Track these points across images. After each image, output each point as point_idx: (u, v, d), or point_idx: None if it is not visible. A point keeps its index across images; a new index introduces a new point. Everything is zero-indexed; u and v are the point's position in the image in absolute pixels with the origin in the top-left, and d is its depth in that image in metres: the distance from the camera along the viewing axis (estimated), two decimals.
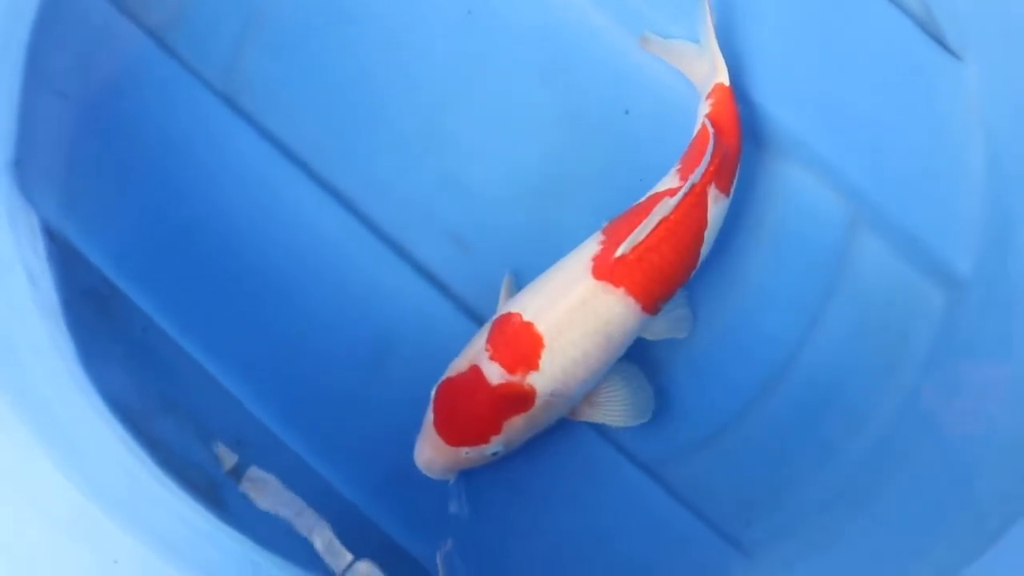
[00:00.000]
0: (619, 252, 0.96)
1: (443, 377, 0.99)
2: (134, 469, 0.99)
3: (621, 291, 0.96)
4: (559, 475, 1.07)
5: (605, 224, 1.02)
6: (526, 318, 0.97)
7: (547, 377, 0.96)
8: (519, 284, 1.06)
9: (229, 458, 1.06)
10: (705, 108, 1.05)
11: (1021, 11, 1.09)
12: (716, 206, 1.01)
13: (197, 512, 1.00)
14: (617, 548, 1.07)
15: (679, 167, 1.03)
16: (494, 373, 0.96)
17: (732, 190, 1.03)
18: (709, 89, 1.06)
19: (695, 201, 0.99)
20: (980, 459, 1.02)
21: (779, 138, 1.11)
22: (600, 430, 1.08)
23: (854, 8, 1.13)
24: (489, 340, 0.97)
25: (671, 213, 0.97)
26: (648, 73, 1.13)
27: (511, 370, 0.95)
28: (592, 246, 0.99)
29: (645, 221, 0.96)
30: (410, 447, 1.01)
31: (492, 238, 1.10)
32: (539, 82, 1.13)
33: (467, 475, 1.03)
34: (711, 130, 1.01)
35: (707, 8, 1.06)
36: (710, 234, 1.01)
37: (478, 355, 0.97)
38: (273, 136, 1.11)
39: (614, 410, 1.02)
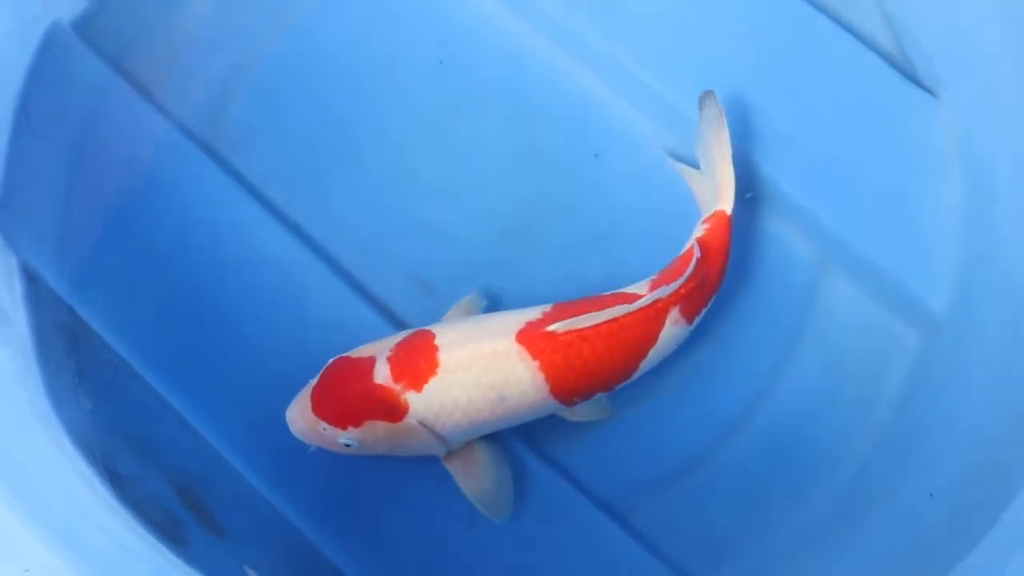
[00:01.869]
0: (552, 327, 0.95)
1: (346, 353, 0.99)
2: (82, 497, 0.99)
3: (536, 364, 0.95)
4: (517, 514, 1.04)
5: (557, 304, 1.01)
6: (436, 341, 0.96)
7: (424, 402, 0.95)
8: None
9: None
10: (699, 231, 1.03)
11: (994, 47, 1.08)
12: (673, 328, 0.99)
13: (146, 541, 1.00)
14: None
15: (654, 278, 1.02)
16: (381, 373, 0.96)
17: (696, 321, 1.01)
18: (709, 212, 1.03)
19: (653, 315, 0.97)
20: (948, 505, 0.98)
21: (747, 180, 1.10)
22: (561, 469, 1.06)
23: (825, 48, 1.14)
24: (400, 343, 0.97)
25: (623, 316, 0.96)
26: (617, 117, 1.14)
27: (396, 379, 0.95)
28: (534, 312, 0.99)
29: (594, 313, 0.95)
30: (374, 488, 1.02)
31: (457, 279, 1.11)
32: (508, 127, 1.15)
33: (423, 507, 1.03)
34: (697, 254, 0.99)
35: (725, 136, 1.03)
36: (657, 353, 0.99)
37: (383, 350, 0.97)
38: (247, 181, 1.14)
39: (472, 485, 1.01)
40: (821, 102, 1.12)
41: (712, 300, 1.02)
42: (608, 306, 0.96)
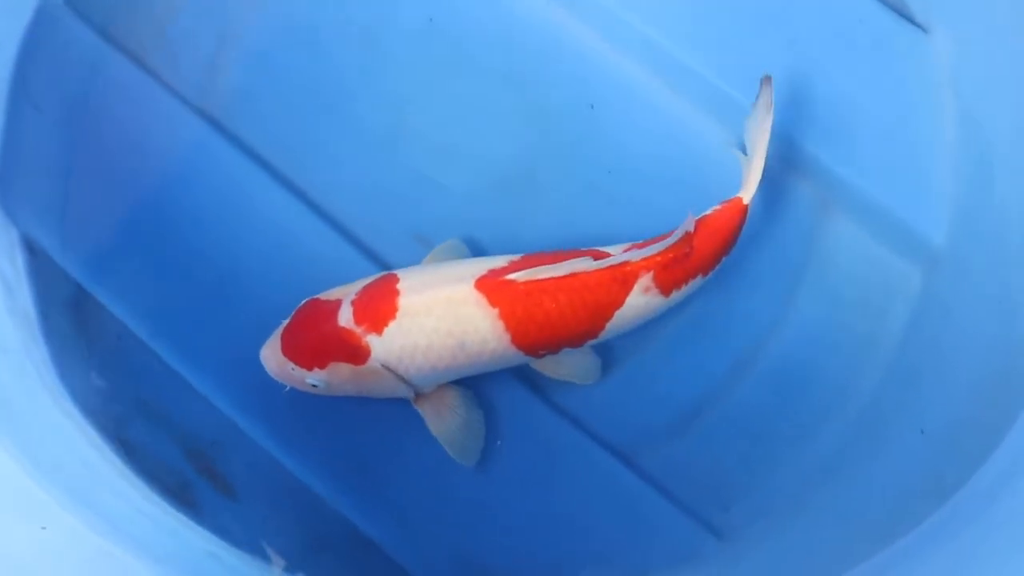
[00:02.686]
0: (512, 276, 0.95)
1: (317, 295, 1.00)
2: (93, 461, 1.00)
3: (495, 312, 0.95)
4: (529, 461, 1.06)
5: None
6: (398, 285, 0.97)
7: (385, 346, 0.96)
8: None
9: (278, 561, 1.06)
10: (710, 210, 1.01)
11: None
12: (643, 296, 0.98)
13: (159, 506, 1.01)
14: (589, 535, 1.05)
15: (630, 245, 1.01)
16: (345, 315, 0.96)
17: (674, 295, 1.00)
18: (730, 197, 1.02)
19: (620, 278, 0.97)
20: (955, 432, 0.99)
21: (741, 121, 1.10)
22: (571, 416, 1.06)
23: None
24: (365, 287, 0.98)
25: (586, 273, 0.95)
26: (612, 68, 1.14)
27: (358, 322, 0.96)
28: (500, 260, 0.99)
29: (558, 264, 0.95)
30: (384, 443, 1.04)
31: (456, 234, 1.10)
32: (502, 80, 1.14)
33: (433, 459, 1.04)
34: (688, 228, 0.97)
35: (767, 126, 1.01)
36: (622, 318, 0.98)
37: (349, 293, 0.98)
38: (245, 144, 1.14)
39: (442, 428, 1.02)
40: (814, 42, 1.12)
41: (698, 280, 1.00)
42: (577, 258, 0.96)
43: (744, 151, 1.04)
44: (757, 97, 1.02)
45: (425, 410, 1.02)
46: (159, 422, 1.08)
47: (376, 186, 1.13)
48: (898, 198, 1.08)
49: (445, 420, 1.02)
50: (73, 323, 1.09)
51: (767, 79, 1.01)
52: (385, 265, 1.10)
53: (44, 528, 0.82)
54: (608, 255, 0.98)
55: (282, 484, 1.06)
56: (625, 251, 0.98)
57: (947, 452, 0.97)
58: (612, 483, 1.05)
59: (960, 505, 0.89)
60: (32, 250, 1.10)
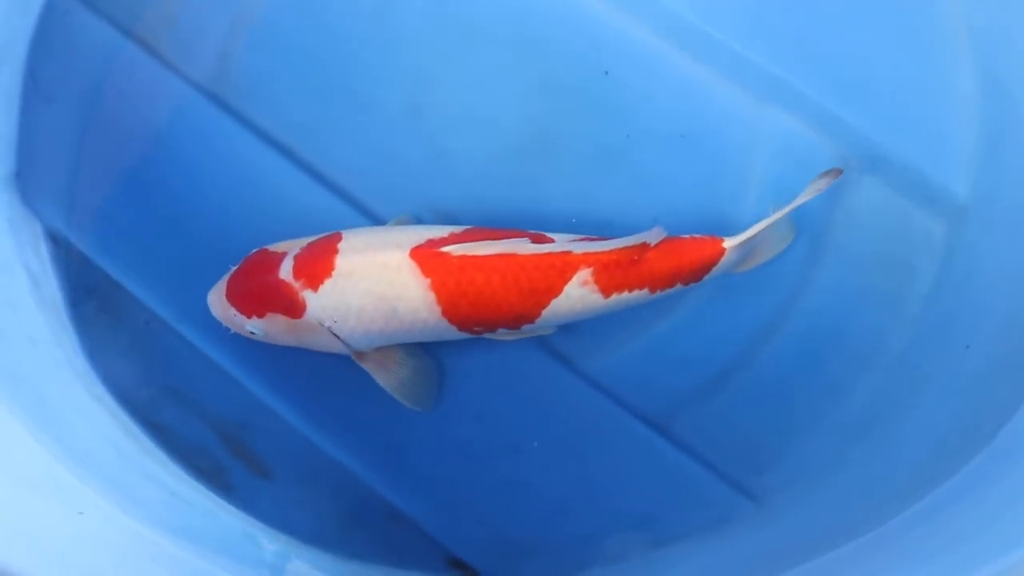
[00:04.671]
0: (447, 248, 0.95)
1: (266, 246, 1.02)
2: (132, 452, 1.01)
3: (427, 282, 0.95)
4: (561, 432, 1.06)
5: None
6: (339, 244, 0.98)
7: (320, 303, 0.97)
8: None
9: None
10: (693, 235, 1.00)
11: None
12: (581, 289, 0.96)
13: (194, 488, 1.02)
14: (623, 503, 1.05)
15: (581, 237, 0.99)
16: (286, 268, 0.98)
17: (614, 296, 0.97)
18: (719, 238, 0.99)
19: (559, 266, 0.96)
20: (988, 381, 0.98)
21: (758, 83, 1.10)
22: (601, 386, 1.06)
23: None
24: (311, 243, 1.00)
25: (523, 256, 0.95)
26: (625, 35, 1.13)
27: (296, 276, 0.97)
28: (443, 231, 0.99)
29: (495, 241, 0.95)
30: (418, 421, 1.05)
31: (476, 207, 1.11)
32: (516, 50, 1.14)
33: (468, 436, 1.04)
34: (650, 241, 0.96)
35: (796, 203, 0.98)
36: (559, 307, 0.97)
37: (296, 247, 1.00)
38: (260, 127, 1.13)
39: (390, 380, 1.02)
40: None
41: (643, 293, 0.98)
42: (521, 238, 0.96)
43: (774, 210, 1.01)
44: (818, 178, 0.99)
45: (369, 366, 1.02)
46: (190, 405, 1.08)
47: (394, 161, 1.12)
48: (918, 152, 1.07)
49: (392, 372, 1.03)
50: (100, 310, 1.10)
51: (837, 172, 0.99)
52: None
53: (82, 513, 0.83)
54: (550, 239, 0.98)
55: (315, 462, 1.07)
56: (571, 240, 0.98)
57: (979, 403, 0.97)
58: (644, 450, 1.05)
59: (994, 454, 0.89)
60: (56, 241, 1.11)
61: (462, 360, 1.08)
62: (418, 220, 1.11)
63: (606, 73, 1.13)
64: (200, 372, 1.09)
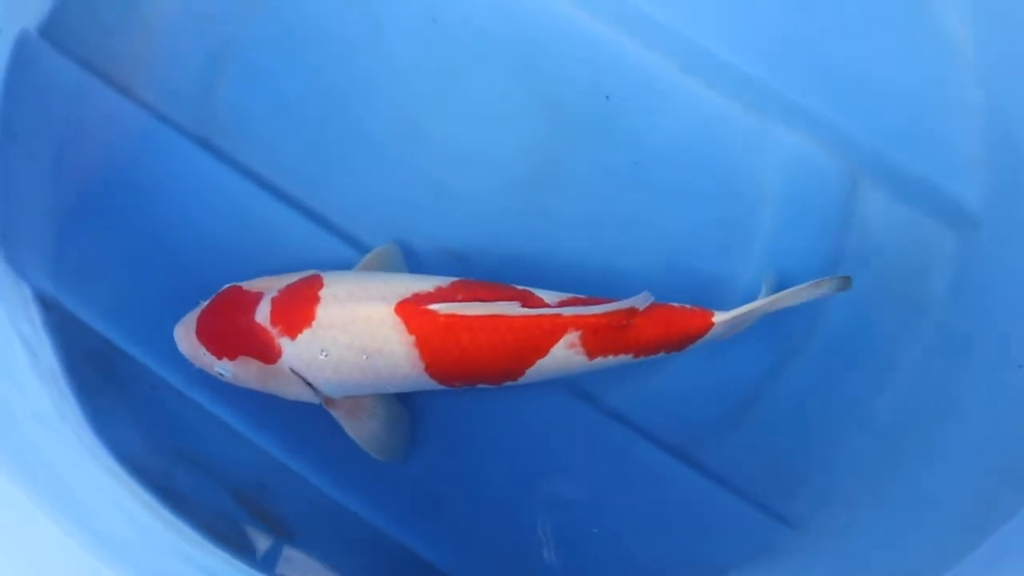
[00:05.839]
0: (434, 306, 0.92)
1: (240, 283, 0.98)
2: (151, 526, 0.97)
3: (411, 339, 0.93)
4: (590, 473, 1.05)
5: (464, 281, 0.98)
6: (320, 292, 0.95)
7: (297, 352, 0.94)
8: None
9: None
10: (682, 304, 0.98)
11: None
12: (567, 352, 0.94)
13: (225, 561, 0.98)
14: (659, 539, 1.04)
15: (573, 297, 0.97)
16: (263, 313, 0.95)
17: (597, 360, 0.96)
18: (709, 311, 0.98)
19: (548, 328, 0.93)
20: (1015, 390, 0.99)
21: (764, 101, 1.09)
22: (623, 419, 1.05)
23: None
24: (289, 285, 0.97)
25: (511, 317, 0.93)
26: (626, 58, 1.10)
27: (274, 322, 0.94)
28: (429, 283, 0.96)
29: (481, 303, 0.93)
30: (438, 470, 1.02)
31: (483, 241, 1.08)
32: (514, 78, 1.10)
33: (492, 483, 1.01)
34: (638, 306, 0.95)
35: (791, 299, 0.98)
36: (543, 367, 0.95)
37: (272, 288, 0.97)
38: (253, 171, 1.09)
39: (359, 429, 1.00)
40: (830, 11, 1.09)
41: (627, 358, 0.97)
42: (510, 298, 0.94)
43: (768, 285, 1.01)
44: (825, 284, 0.98)
45: (339, 413, 1.00)
46: (204, 469, 1.05)
47: (396, 199, 1.09)
48: (929, 164, 1.07)
49: (362, 421, 1.00)
50: (102, 376, 1.05)
51: (846, 281, 0.99)
52: None
53: None
54: (541, 300, 0.96)
55: (339, 520, 1.04)
56: (561, 302, 0.96)
57: (1011, 412, 0.98)
58: (675, 483, 1.04)
59: None
60: (46, 304, 1.05)
61: (483, 403, 1.05)
62: (403, 248, 1.07)
63: (607, 98, 1.10)
64: (211, 434, 1.06)
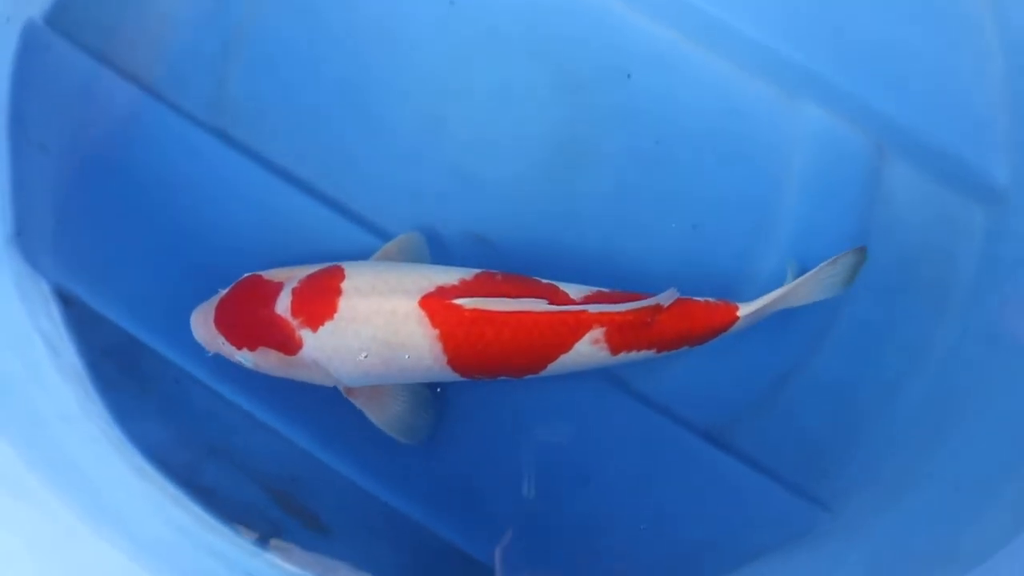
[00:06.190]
0: (460, 301, 0.91)
1: (260, 272, 0.97)
2: (184, 523, 0.96)
3: (435, 333, 0.92)
4: (626, 458, 1.04)
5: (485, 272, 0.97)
6: (342, 284, 0.94)
7: (318, 344, 0.93)
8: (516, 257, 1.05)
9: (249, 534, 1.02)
10: (706, 298, 0.97)
11: None
12: (591, 347, 0.94)
13: (256, 556, 0.97)
14: (698, 523, 1.04)
15: (598, 291, 0.97)
16: (283, 304, 0.94)
17: (622, 356, 0.95)
18: (734, 304, 0.97)
19: (572, 324, 0.93)
20: None
21: (788, 76, 1.07)
22: (655, 405, 1.04)
23: None
24: (310, 276, 0.95)
25: (536, 313, 0.92)
26: (646, 35, 1.09)
27: (295, 314, 0.93)
28: (453, 276, 0.95)
29: (507, 300, 0.92)
30: (472, 458, 1.01)
31: (510, 225, 1.07)
32: (533, 60, 1.09)
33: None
34: (664, 303, 0.94)
35: (817, 286, 0.99)
36: (567, 361, 0.95)
37: (292, 279, 0.96)
38: (270, 160, 1.07)
39: (381, 415, 0.99)
40: None
41: (650, 353, 0.96)
42: (534, 294, 0.93)
43: (793, 273, 1.01)
44: (843, 258, 0.99)
45: (359, 401, 0.99)
46: (234, 464, 1.03)
47: (417, 186, 1.07)
48: (955, 138, 1.06)
49: (385, 407, 0.99)
50: (125, 371, 1.04)
51: (861, 252, 0.99)
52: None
53: None
54: (566, 294, 0.95)
55: (375, 513, 1.03)
56: (586, 297, 0.95)
57: None
58: (710, 468, 1.03)
59: None
60: (65, 300, 1.03)
61: (515, 391, 1.04)
62: (426, 234, 1.06)
63: (628, 76, 1.09)
64: (239, 427, 1.04)
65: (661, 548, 1.03)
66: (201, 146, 1.07)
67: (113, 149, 1.07)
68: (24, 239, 1.02)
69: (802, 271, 1.00)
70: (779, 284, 1.00)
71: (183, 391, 1.04)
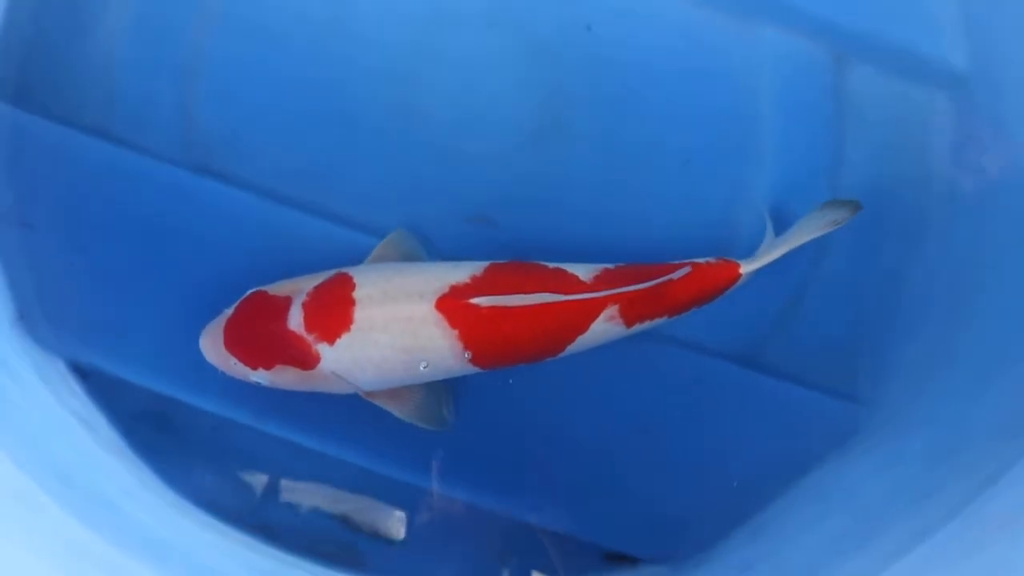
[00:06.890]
0: (475, 300, 0.92)
1: (263, 287, 0.96)
2: (266, 567, 0.95)
3: (455, 333, 0.92)
4: (668, 400, 1.07)
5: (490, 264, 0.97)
6: (355, 294, 0.93)
7: (337, 356, 0.93)
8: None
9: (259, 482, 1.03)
10: (706, 259, 0.99)
11: None
12: (606, 324, 0.95)
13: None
14: (751, 448, 1.07)
15: (605, 269, 0.98)
16: (295, 319, 0.93)
17: (636, 327, 0.97)
18: (735, 262, 0.99)
19: (589, 307, 0.94)
20: None
21: (742, 4, 1.09)
22: (680, 342, 1.07)
23: None
24: (318, 287, 0.95)
25: (553, 303, 0.93)
26: None
27: (309, 328, 0.93)
28: (463, 272, 0.95)
29: (522, 296, 0.92)
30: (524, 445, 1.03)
31: (504, 197, 1.07)
32: (493, 28, 1.08)
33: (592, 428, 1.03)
34: (674, 276, 0.96)
35: (804, 237, 0.99)
36: (583, 342, 0.96)
37: (300, 291, 0.95)
38: (254, 183, 1.06)
39: (402, 408, 1.00)
40: None
41: (663, 319, 0.99)
42: (547, 283, 0.94)
43: (770, 219, 1.04)
44: (829, 207, 1.01)
45: (380, 401, 0.99)
46: (292, 495, 1.02)
47: (405, 177, 1.07)
48: (910, 34, 1.09)
49: (407, 401, 1.00)
50: (160, 431, 1.03)
51: (857, 206, 1.01)
52: (442, 257, 1.06)
53: None
54: (576, 277, 0.96)
55: (444, 510, 1.03)
56: (596, 277, 0.97)
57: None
58: (753, 391, 1.07)
59: None
60: (83, 373, 1.00)
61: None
62: (422, 221, 1.06)
63: (588, 28, 1.09)
64: (287, 459, 1.03)
65: (720, 479, 1.06)
66: (182, 184, 1.04)
67: (96, 208, 1.04)
68: (28, 322, 0.99)
69: (780, 207, 1.05)
70: (772, 210, 1.05)
71: (223, 437, 1.03)
